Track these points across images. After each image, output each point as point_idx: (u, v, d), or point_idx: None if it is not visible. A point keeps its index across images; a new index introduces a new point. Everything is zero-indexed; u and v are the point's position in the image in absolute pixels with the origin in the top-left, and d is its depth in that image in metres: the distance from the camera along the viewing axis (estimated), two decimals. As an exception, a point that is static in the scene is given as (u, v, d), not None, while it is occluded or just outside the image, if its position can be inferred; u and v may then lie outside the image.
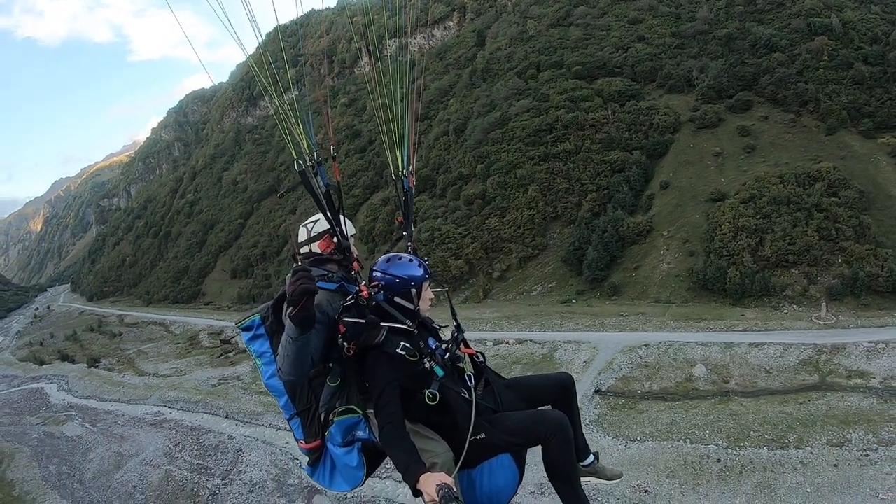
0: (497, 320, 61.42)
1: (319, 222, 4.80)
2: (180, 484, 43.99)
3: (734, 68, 75.79)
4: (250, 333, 4.61)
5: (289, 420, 4.58)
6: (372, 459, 4.54)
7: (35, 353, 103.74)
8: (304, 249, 4.89)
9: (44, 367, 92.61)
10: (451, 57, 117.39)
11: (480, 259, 76.68)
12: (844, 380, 37.96)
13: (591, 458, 5.02)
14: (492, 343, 54.35)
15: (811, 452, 31.85)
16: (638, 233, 65.01)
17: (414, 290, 4.54)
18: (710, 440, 35.09)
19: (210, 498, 41.32)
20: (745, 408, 37.68)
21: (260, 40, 4.10)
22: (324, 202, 4.38)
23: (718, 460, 33.12)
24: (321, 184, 4.32)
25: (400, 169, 5.50)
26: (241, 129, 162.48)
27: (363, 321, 4.24)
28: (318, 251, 4.81)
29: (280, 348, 3.99)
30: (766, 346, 43.16)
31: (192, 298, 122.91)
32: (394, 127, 5.42)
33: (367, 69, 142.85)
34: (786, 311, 49.75)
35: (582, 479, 4.79)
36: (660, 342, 47.67)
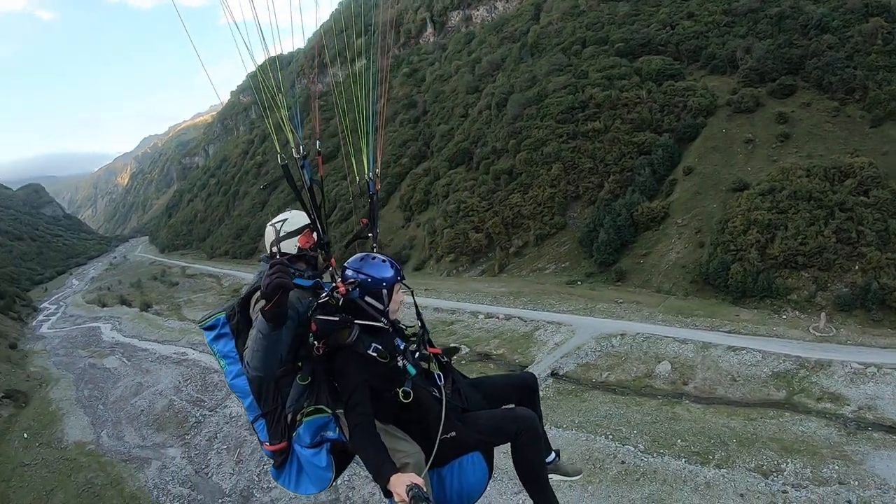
0: (499, 295, 59.85)
1: (288, 222, 4.44)
2: (176, 412, 47.87)
3: (781, 50, 66.62)
4: (214, 332, 4.20)
5: (253, 422, 4.18)
6: (340, 460, 4.24)
7: (101, 296, 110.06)
8: (277, 248, 4.41)
9: (104, 309, 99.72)
10: (507, 30, 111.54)
11: (500, 234, 73.05)
12: (814, 401, 31.93)
13: (553, 455, 4.79)
14: (483, 316, 54.30)
15: (725, 474, 26.85)
16: (652, 218, 59.22)
17: (385, 291, 4.29)
18: (632, 440, 30.92)
19: (194, 424, 44.76)
20: (691, 414, 32.87)
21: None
22: (307, 197, 4.05)
23: (622, 462, 29.13)
24: (306, 178, 4.01)
25: (366, 172, 4.90)
26: (311, 95, 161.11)
27: (336, 319, 3.95)
28: (298, 246, 4.38)
29: (249, 342, 3.69)
30: (743, 352, 37.62)
31: (249, 255, 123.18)
32: (361, 131, 4.84)
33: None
34: (784, 317, 43.17)
35: None
36: (637, 333, 43.38)
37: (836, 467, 25.90)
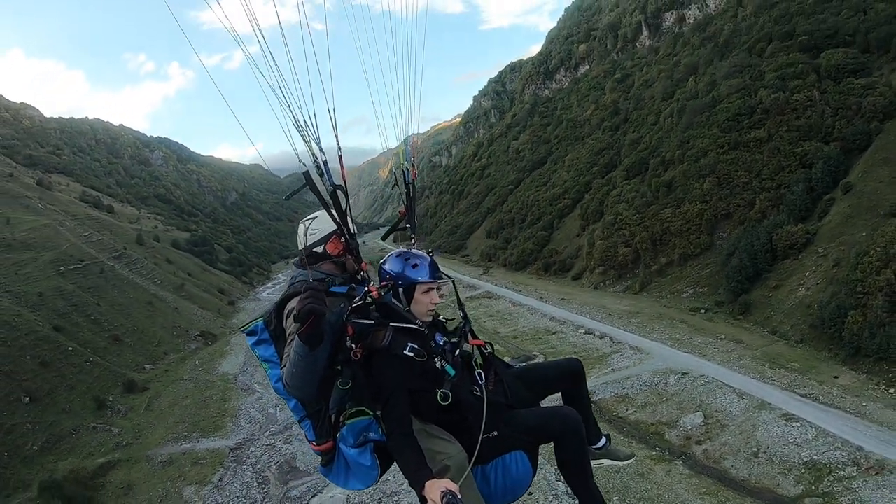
0: (616, 313, 55.58)
1: (319, 219, 4.39)
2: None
3: None
4: (255, 338, 4.26)
5: (299, 422, 4.18)
6: (385, 458, 4.16)
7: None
8: (306, 250, 4.43)
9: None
10: (710, 30, 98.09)
11: (647, 250, 65.19)
12: (830, 515, 21.55)
13: (603, 440, 4.73)
14: (583, 331, 51.57)
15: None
16: (791, 245, 47.56)
17: (402, 290, 4.12)
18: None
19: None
20: (667, 478, 25.95)
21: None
22: (330, 203, 4.09)
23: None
24: (327, 184, 4.05)
25: (401, 162, 4.97)
26: (538, 101, 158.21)
27: (371, 322, 3.89)
28: (326, 252, 4.41)
29: (287, 363, 3.62)
30: (797, 424, 27.88)
31: (457, 250, 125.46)
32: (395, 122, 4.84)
33: (646, 43, 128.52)
34: (893, 391, 30.88)
35: (595, 461, 4.52)
36: (701, 375, 35.91)
37: None
